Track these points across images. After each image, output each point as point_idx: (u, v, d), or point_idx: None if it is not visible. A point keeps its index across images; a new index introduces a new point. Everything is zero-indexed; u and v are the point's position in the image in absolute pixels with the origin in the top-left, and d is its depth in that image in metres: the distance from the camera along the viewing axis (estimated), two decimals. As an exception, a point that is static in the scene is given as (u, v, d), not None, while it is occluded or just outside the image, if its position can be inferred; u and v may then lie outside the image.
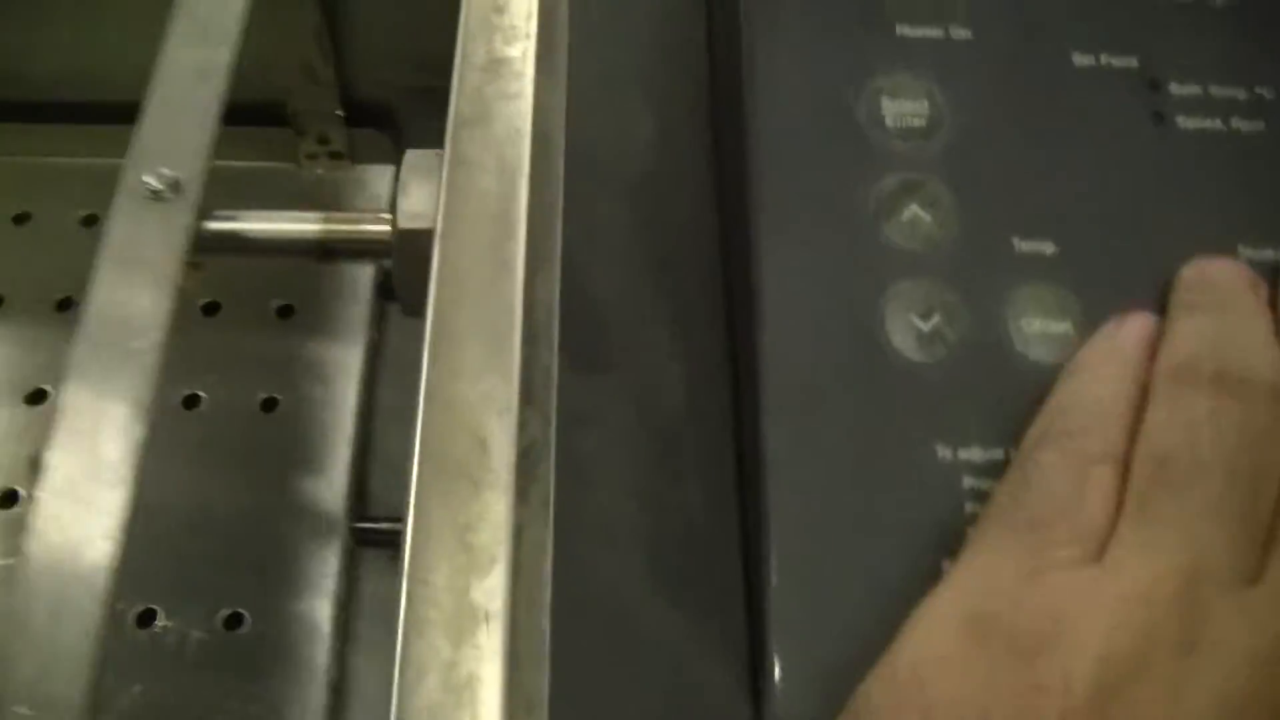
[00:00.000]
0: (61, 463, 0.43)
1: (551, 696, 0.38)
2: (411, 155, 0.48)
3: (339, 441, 0.60)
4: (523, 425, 0.41)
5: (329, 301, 0.64)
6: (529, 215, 0.44)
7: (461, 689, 0.37)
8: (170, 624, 0.55)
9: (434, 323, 0.42)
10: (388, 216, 0.49)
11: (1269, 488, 0.37)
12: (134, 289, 0.46)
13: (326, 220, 0.50)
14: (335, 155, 0.68)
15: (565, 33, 0.47)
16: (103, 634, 0.40)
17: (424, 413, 0.41)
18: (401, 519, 0.39)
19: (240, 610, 0.56)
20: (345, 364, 0.62)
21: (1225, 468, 0.37)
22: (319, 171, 0.68)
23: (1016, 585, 0.36)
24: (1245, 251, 0.43)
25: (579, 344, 0.43)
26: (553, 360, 0.42)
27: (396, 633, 0.38)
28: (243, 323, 0.64)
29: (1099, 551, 0.37)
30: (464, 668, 0.38)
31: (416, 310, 0.48)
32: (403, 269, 0.48)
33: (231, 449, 0.60)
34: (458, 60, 0.47)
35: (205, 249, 0.50)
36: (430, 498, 0.40)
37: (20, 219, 0.68)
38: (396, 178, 0.66)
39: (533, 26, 0.47)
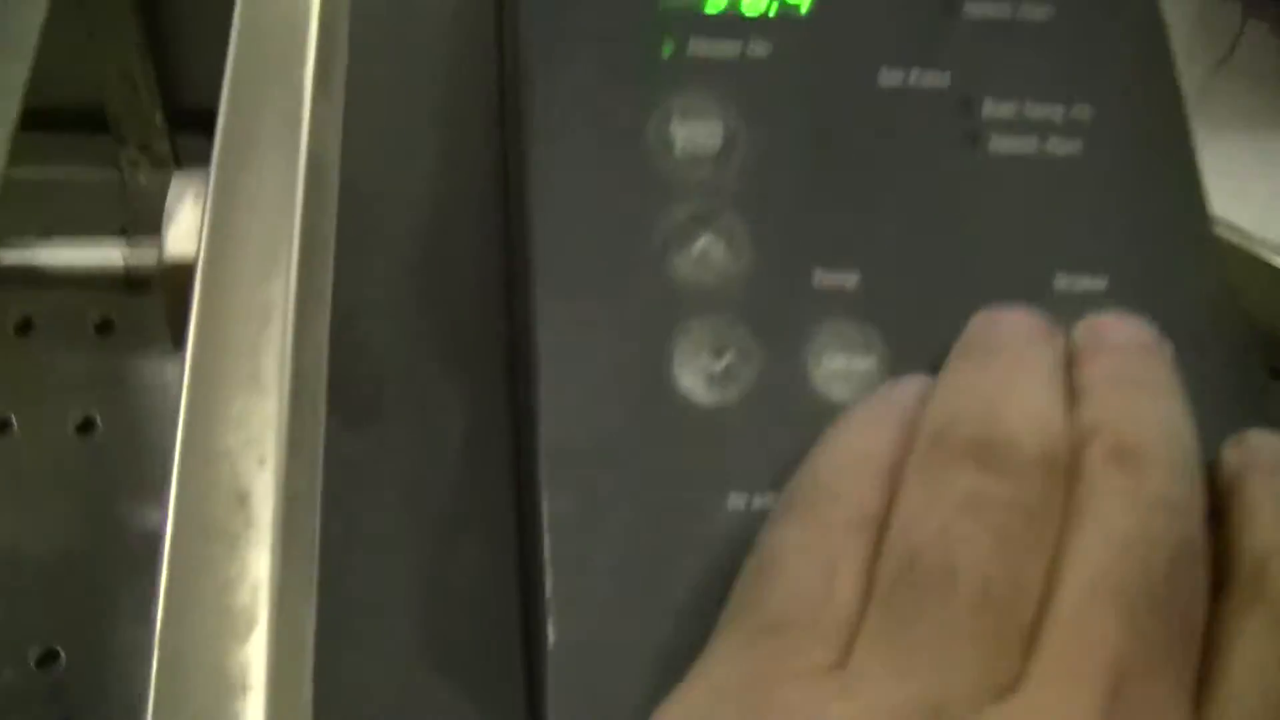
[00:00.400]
0: None
1: (313, 776, 0.35)
2: (180, 177, 0.45)
3: (163, 463, 0.57)
4: (287, 477, 0.38)
5: (154, 317, 0.61)
6: (300, 250, 0.41)
7: (215, 772, 0.35)
8: None
9: (193, 366, 0.39)
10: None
11: (1031, 581, 0.33)
12: None
13: (135, 245, 0.46)
14: (159, 163, 0.65)
15: (345, 50, 0.44)
16: None
17: (179, 468, 0.38)
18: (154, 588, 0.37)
19: (55, 647, 0.52)
20: (170, 383, 0.59)
21: (979, 572, 0.33)
22: (142, 180, 0.65)
23: (744, 702, 0.33)
24: (1062, 280, 0.41)
25: (349, 393, 0.40)
26: (320, 409, 0.39)
27: (145, 705, 0.35)
28: (58, 342, 0.61)
29: (845, 648, 0.33)
30: (218, 747, 0.35)
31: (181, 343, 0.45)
32: (170, 303, 0.45)
33: (46, 476, 0.57)
34: (227, 74, 0.44)
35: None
36: (184, 561, 0.37)
37: None
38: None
39: (311, 38, 0.44)
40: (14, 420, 0.58)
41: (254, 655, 0.36)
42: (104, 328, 0.61)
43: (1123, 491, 0.34)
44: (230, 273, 0.41)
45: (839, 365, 0.39)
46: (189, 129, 0.65)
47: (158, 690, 0.35)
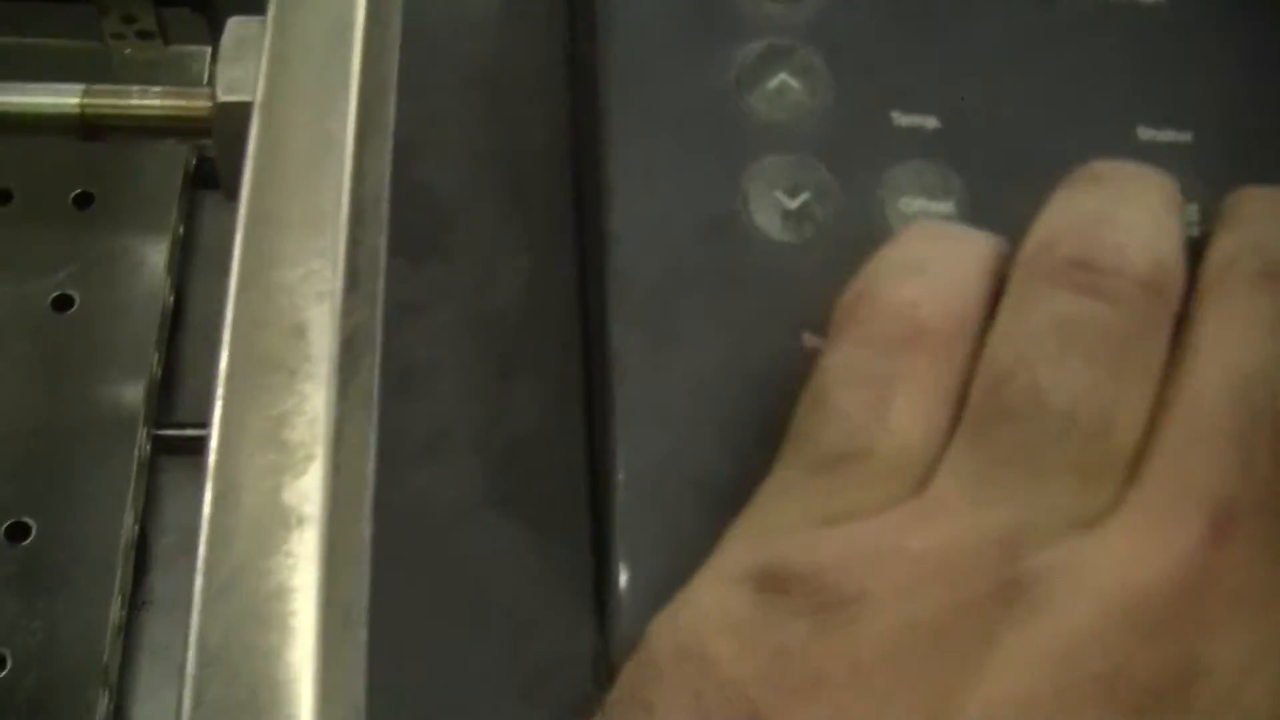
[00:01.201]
0: None
1: (372, 611, 0.34)
2: (235, 23, 0.44)
3: (140, 342, 0.56)
4: (345, 313, 0.37)
5: (133, 190, 0.60)
6: (359, 88, 0.40)
7: (271, 600, 0.34)
8: None
9: (249, 202, 0.38)
10: (159, 90, 0.46)
11: (1130, 409, 0.31)
12: None
13: (90, 94, 0.45)
14: (144, 34, 0.64)
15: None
16: None
17: (235, 299, 0.37)
18: (207, 417, 0.36)
19: (27, 520, 0.52)
20: (149, 258, 0.58)
21: (1068, 396, 0.30)
22: (128, 52, 0.63)
23: (808, 538, 0.31)
24: (1145, 132, 0.39)
25: (410, 228, 0.39)
26: (381, 244, 0.38)
27: (199, 538, 0.34)
28: (36, 213, 0.60)
29: (919, 483, 0.31)
30: (274, 577, 0.34)
31: (236, 190, 0.44)
32: (223, 147, 0.44)
33: (21, 350, 0.56)
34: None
35: None
36: (240, 390, 0.36)
37: None
38: (214, 56, 0.62)
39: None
40: None
41: (311, 489, 0.35)
42: (83, 200, 0.60)
43: (1258, 321, 0.31)
44: (288, 110, 0.40)
45: (916, 207, 0.38)
46: (175, 2, 0.63)
47: (211, 522, 0.34)
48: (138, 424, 0.54)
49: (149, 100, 0.46)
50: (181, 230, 0.59)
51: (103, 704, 0.48)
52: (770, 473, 0.33)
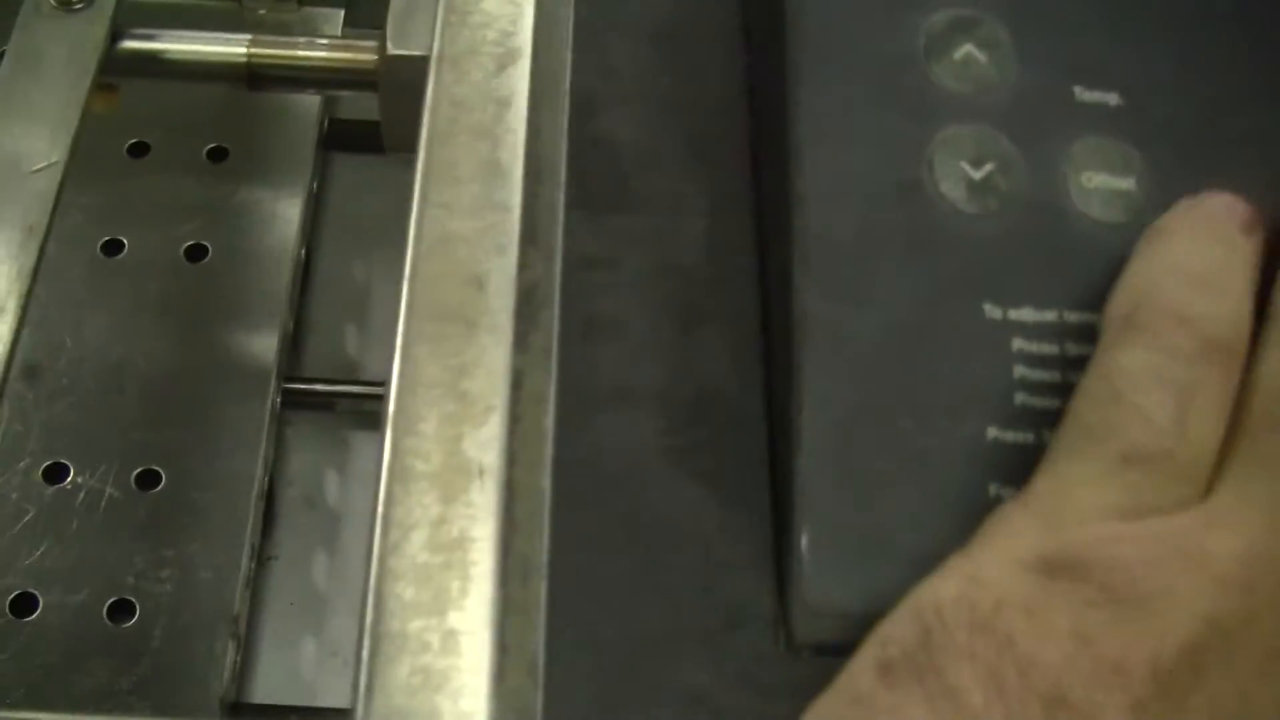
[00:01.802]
0: None
1: (550, 565, 0.34)
2: (406, -25, 0.44)
3: (271, 295, 0.56)
4: (524, 266, 0.37)
5: (267, 146, 0.59)
6: (535, 41, 0.40)
7: (451, 549, 0.33)
8: (81, 480, 0.51)
9: (426, 155, 0.38)
10: (325, 41, 0.46)
11: None
12: (34, 108, 0.42)
13: (256, 44, 0.45)
14: None
15: None
16: None
17: (413, 251, 0.37)
18: (387, 367, 0.35)
19: (156, 468, 0.51)
20: (281, 213, 0.57)
21: None
22: (261, 12, 0.63)
23: (1111, 531, 0.31)
24: None
25: (589, 182, 0.39)
26: (558, 198, 0.38)
27: (378, 486, 0.34)
28: (172, 165, 0.59)
29: (1202, 491, 0.32)
30: (454, 526, 0.34)
31: (402, 145, 0.44)
32: (390, 100, 0.44)
33: (155, 299, 0.55)
34: None
35: (118, 69, 0.45)
36: (419, 341, 0.36)
37: None
38: (346, 21, 0.62)
39: None
40: (125, 242, 0.57)
41: (490, 439, 0.35)
42: (217, 154, 0.60)
43: None
44: (464, 64, 0.40)
45: (1098, 182, 0.37)
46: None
47: (390, 471, 0.34)
48: (270, 376, 0.53)
49: (314, 52, 0.46)
50: (314, 187, 0.59)
51: (230, 655, 0.48)
52: (1051, 458, 0.33)
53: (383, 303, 0.58)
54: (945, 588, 0.31)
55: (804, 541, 0.34)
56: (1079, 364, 0.35)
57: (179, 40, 0.46)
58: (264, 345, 0.54)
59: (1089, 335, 0.36)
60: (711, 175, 0.40)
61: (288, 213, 0.58)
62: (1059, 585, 0.30)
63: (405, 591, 0.33)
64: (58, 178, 0.41)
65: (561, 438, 0.35)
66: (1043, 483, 0.33)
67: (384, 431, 0.35)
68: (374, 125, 0.59)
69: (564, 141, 0.38)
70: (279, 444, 0.54)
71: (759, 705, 0.33)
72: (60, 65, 0.43)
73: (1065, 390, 0.35)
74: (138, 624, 0.49)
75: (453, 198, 0.37)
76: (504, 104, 0.39)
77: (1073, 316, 0.36)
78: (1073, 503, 0.32)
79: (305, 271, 0.58)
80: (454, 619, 0.33)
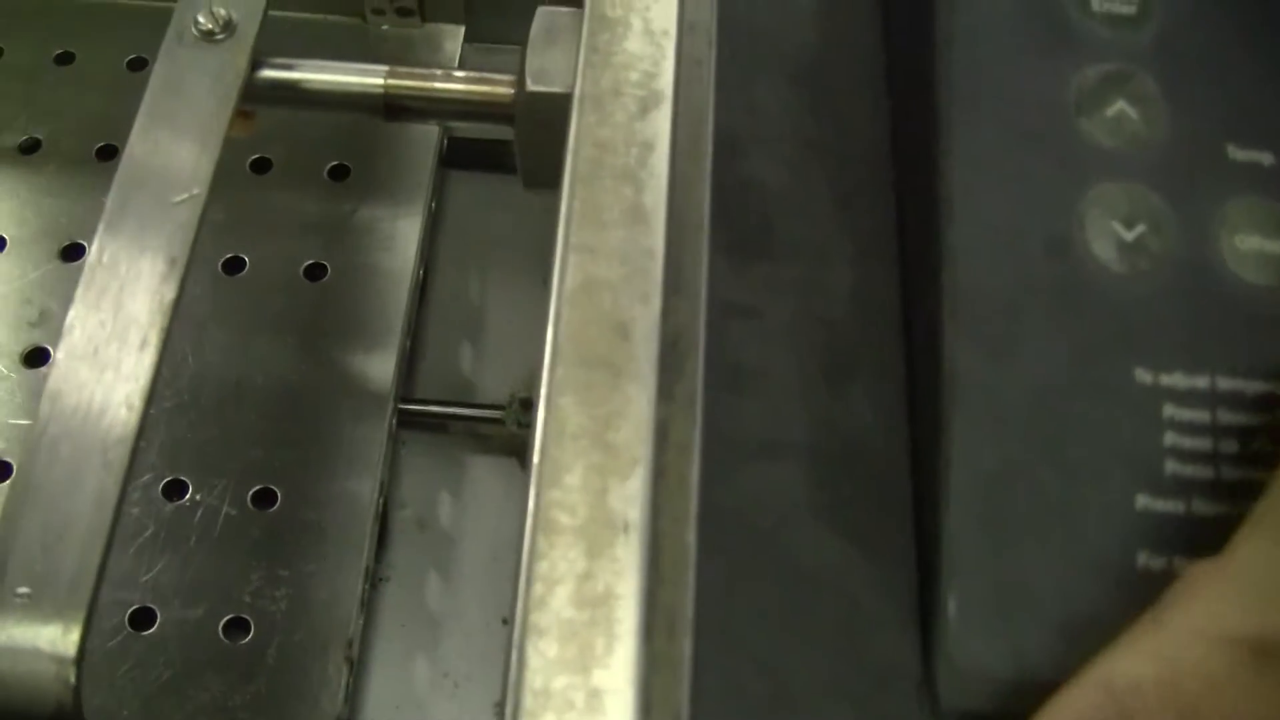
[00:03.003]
0: (84, 322, 0.39)
1: (695, 620, 0.33)
2: (544, 12, 0.43)
3: (389, 315, 0.55)
4: (668, 314, 0.36)
5: (387, 165, 0.59)
6: (676, 84, 0.39)
7: (596, 605, 0.33)
8: (200, 498, 0.51)
9: (569, 197, 0.37)
10: (461, 75, 0.45)
11: None
12: (177, 137, 0.42)
13: (393, 75, 0.45)
14: (404, 11, 0.63)
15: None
16: (117, 508, 0.36)
17: (558, 296, 0.36)
18: (532, 414, 0.35)
19: (273, 487, 0.51)
20: (401, 232, 0.57)
21: None
22: (385, 28, 0.63)
23: None
24: None
25: (733, 228, 0.38)
26: (703, 244, 0.37)
27: (523, 539, 0.33)
28: (293, 183, 0.59)
29: None
30: (599, 581, 0.33)
31: (538, 181, 0.43)
32: (526, 135, 0.43)
33: (274, 317, 0.55)
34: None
35: (257, 98, 0.45)
36: (565, 390, 0.35)
37: (63, 59, 0.63)
38: (466, 37, 0.62)
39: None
40: (247, 260, 0.56)
41: (635, 492, 0.34)
42: (338, 173, 0.59)
43: None
44: (608, 104, 0.39)
45: (1252, 244, 0.36)
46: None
47: (534, 524, 0.34)
48: (388, 397, 0.53)
49: (451, 85, 0.45)
50: (433, 206, 0.58)
51: (344, 676, 0.48)
52: (1256, 524, 0.32)
53: (497, 324, 0.57)
54: (1142, 667, 0.30)
55: (951, 603, 0.33)
56: (1231, 432, 0.34)
57: (318, 70, 0.45)
58: (381, 365, 0.54)
59: (1242, 402, 0.35)
60: (856, 223, 0.39)
61: (407, 232, 0.57)
62: (1262, 665, 0.29)
63: (550, 648, 0.32)
64: (199, 210, 0.40)
65: (707, 490, 0.34)
66: (1247, 552, 0.31)
67: (529, 482, 0.34)
68: (492, 144, 0.59)
69: (707, 186, 0.38)
70: (393, 465, 0.54)
71: (904, 771, 0.33)
72: (203, 95, 0.42)
73: (1217, 459, 0.34)
74: (252, 641, 0.49)
75: (597, 242, 0.37)
76: (648, 147, 0.38)
77: (1225, 383, 0.35)
78: (1272, 581, 0.30)
79: (421, 291, 0.57)
80: (598, 677, 0.32)
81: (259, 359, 0.54)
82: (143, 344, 0.38)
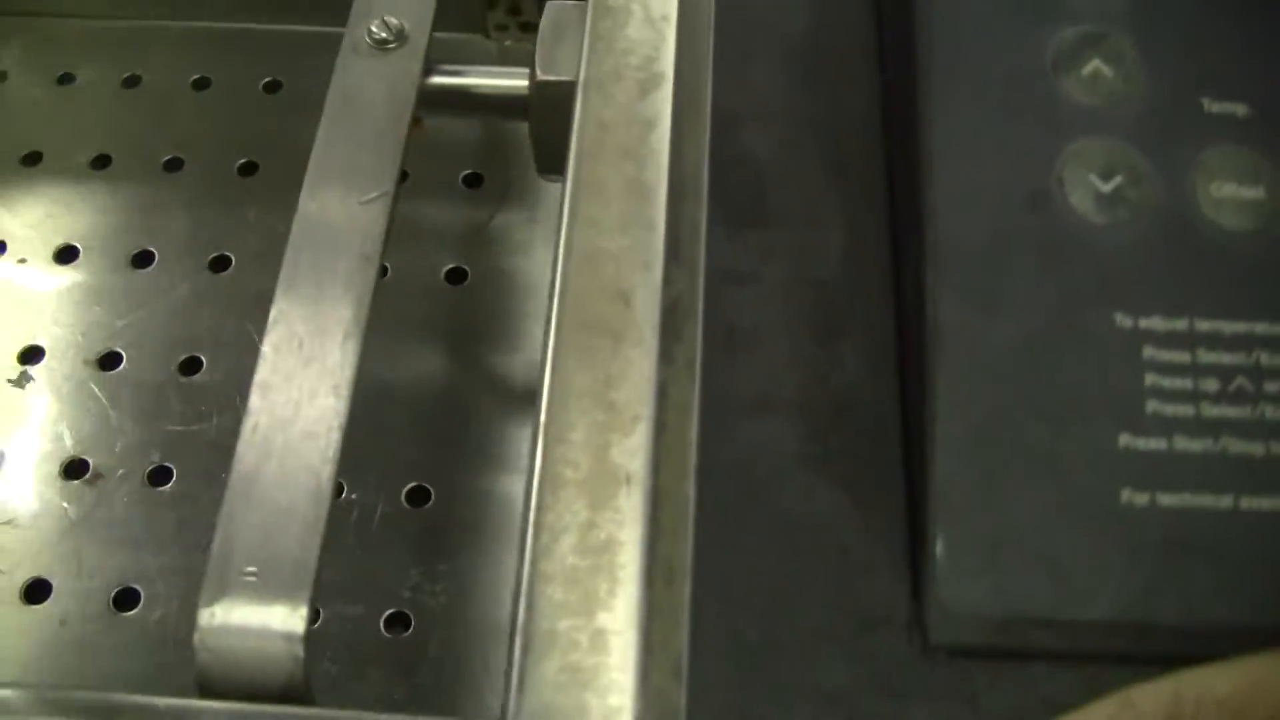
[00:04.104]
0: (288, 316, 0.40)
1: (694, 568, 0.34)
2: (552, 7, 0.45)
3: (530, 315, 0.57)
4: (668, 281, 0.37)
5: (518, 172, 0.60)
6: (677, 65, 0.40)
7: (599, 553, 0.34)
8: (355, 497, 0.52)
9: (574, 176, 0.39)
10: (480, 69, 0.47)
11: None
12: (361, 140, 0.44)
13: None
14: (526, 26, 0.64)
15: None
16: (330, 495, 0.37)
17: (562, 267, 0.37)
18: (537, 378, 0.36)
19: (426, 485, 0.52)
20: (536, 237, 0.58)
21: None
22: (507, 43, 0.64)
23: None
24: None
25: (730, 200, 0.39)
26: (701, 215, 0.38)
27: (529, 492, 0.35)
28: (429, 192, 0.60)
29: None
30: (602, 530, 0.34)
31: (551, 168, 0.44)
32: (540, 124, 0.45)
33: (419, 322, 0.56)
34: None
35: (429, 103, 0.47)
36: (569, 353, 0.36)
37: (200, 84, 0.65)
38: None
39: None
40: (389, 266, 0.58)
41: (638, 448, 0.35)
42: (472, 181, 0.60)
43: None
44: (611, 89, 0.40)
45: (1228, 192, 0.37)
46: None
47: (540, 478, 0.35)
48: (531, 395, 0.54)
49: (471, 80, 0.47)
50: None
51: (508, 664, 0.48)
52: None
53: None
54: (1220, 684, 0.30)
55: (939, 545, 0.34)
56: (1210, 371, 0.35)
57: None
58: (525, 365, 0.55)
59: (1220, 342, 0.35)
60: (848, 192, 0.40)
61: (543, 236, 0.58)
62: None
63: (555, 593, 0.33)
64: (388, 207, 0.42)
65: (705, 445, 0.35)
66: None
67: (535, 440, 0.35)
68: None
69: (706, 161, 0.39)
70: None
71: (894, 706, 0.34)
72: (380, 101, 0.44)
73: (1197, 397, 0.35)
74: (413, 634, 0.50)
75: (600, 215, 0.38)
76: (648, 126, 0.39)
77: (1204, 325, 0.36)
78: None
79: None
80: (602, 619, 0.33)
81: (406, 360, 0.55)
82: (345, 336, 0.40)
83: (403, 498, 0.52)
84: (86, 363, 0.55)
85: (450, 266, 0.57)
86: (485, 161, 0.60)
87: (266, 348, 0.39)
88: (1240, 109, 0.38)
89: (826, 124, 0.41)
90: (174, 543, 0.51)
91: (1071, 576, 0.33)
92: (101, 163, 0.61)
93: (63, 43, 0.65)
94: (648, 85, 0.40)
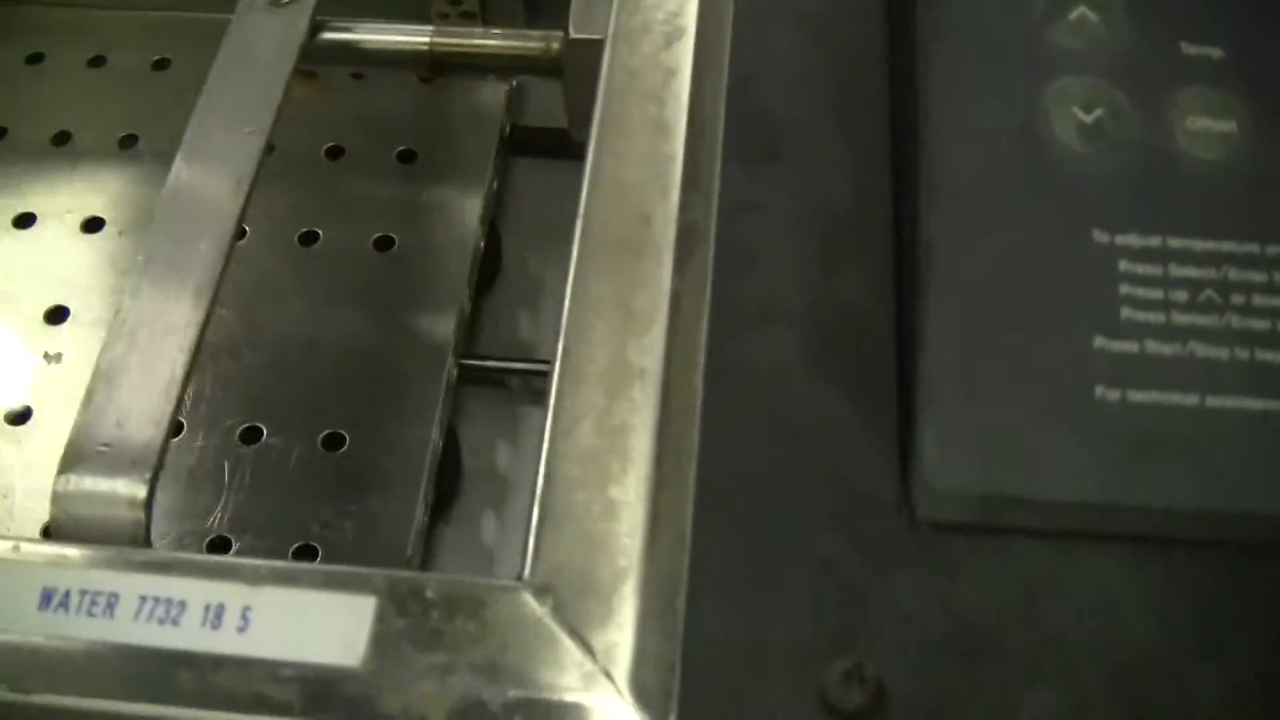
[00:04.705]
0: (167, 226, 0.45)
1: (700, 454, 0.37)
2: (582, -29, 0.49)
3: (453, 281, 0.59)
4: (684, 206, 0.40)
5: (451, 150, 0.63)
6: (699, 20, 0.44)
7: (613, 435, 0.37)
8: (274, 441, 0.55)
9: (602, 115, 0.42)
10: (502, 31, 0.51)
11: None
12: (247, 83, 0.48)
13: (439, 34, 0.50)
14: (467, 15, 0.66)
15: None
16: (182, 386, 0.41)
17: (588, 193, 0.41)
18: (564, 288, 0.39)
19: (342, 432, 0.55)
20: (464, 209, 0.61)
21: None
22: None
23: None
24: None
25: (744, 139, 0.42)
26: (716, 151, 0.41)
27: (551, 383, 0.38)
28: (364, 167, 0.64)
29: None
30: (616, 417, 0.37)
31: (583, 121, 0.48)
32: (571, 80, 0.48)
33: (346, 285, 0.59)
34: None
35: (319, 57, 0.52)
36: (591, 266, 0.39)
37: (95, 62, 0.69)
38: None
39: None
40: (321, 234, 0.61)
41: (652, 346, 0.38)
42: (406, 156, 0.64)
43: None
44: (637, 43, 0.44)
45: (1201, 125, 0.40)
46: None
47: (562, 370, 0.38)
48: (447, 352, 0.56)
49: (492, 40, 0.50)
50: (495, 186, 0.62)
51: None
52: None
53: (556, 292, 0.61)
54: None
55: (926, 429, 0.36)
56: (1180, 284, 0.38)
57: (372, 31, 0.51)
58: (443, 326, 0.56)
59: (1190, 258, 0.38)
60: (854, 135, 0.43)
61: (470, 209, 0.61)
62: None
63: (572, 470, 0.37)
64: (262, 141, 0.46)
65: (713, 349, 0.39)
66: None
67: (558, 338, 0.39)
68: (553, 132, 0.63)
69: (722, 105, 0.42)
70: (459, 416, 0.57)
71: (882, 573, 0.36)
72: (269, 51, 0.48)
73: (1168, 306, 0.38)
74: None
75: (624, 150, 0.41)
76: (671, 73, 0.43)
77: (1175, 242, 0.38)
78: None
79: (488, 265, 0.61)
80: (614, 491, 0.36)
81: (335, 320, 0.58)
82: (218, 239, 0.43)
83: (319, 442, 0.55)
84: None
85: (379, 234, 0.61)
86: (419, 140, 0.63)
87: (142, 257, 0.43)
88: (1215, 52, 0.41)
89: (835, 74, 0.44)
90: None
91: (1048, 461, 0.36)
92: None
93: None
94: (671, 37, 0.44)
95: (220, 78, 0.47)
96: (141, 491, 0.38)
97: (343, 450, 0.55)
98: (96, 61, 0.69)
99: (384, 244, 0.61)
